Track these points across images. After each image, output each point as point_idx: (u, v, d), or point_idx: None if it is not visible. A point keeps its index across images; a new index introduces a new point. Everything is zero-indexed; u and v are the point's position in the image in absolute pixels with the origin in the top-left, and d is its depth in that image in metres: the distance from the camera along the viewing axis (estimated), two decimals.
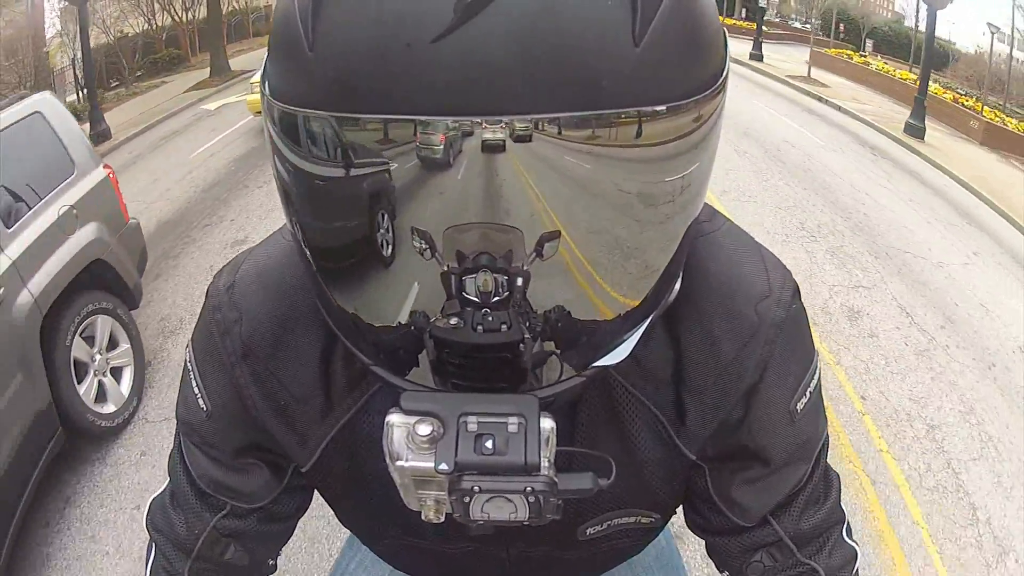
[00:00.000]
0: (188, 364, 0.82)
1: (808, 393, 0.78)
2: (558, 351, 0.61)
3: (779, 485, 0.81)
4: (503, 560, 0.92)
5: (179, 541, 0.86)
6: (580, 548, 0.89)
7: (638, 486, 0.80)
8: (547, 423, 0.58)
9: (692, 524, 0.90)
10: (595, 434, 0.76)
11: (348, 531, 1.11)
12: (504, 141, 0.49)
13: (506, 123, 0.48)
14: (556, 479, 0.57)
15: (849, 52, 15.56)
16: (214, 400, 0.79)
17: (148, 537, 0.90)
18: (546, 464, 0.57)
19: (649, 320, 0.65)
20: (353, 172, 0.52)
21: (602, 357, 0.64)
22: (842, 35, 16.79)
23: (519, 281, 0.56)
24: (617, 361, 0.64)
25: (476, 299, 0.56)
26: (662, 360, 0.73)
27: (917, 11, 14.22)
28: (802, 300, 0.77)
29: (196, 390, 0.81)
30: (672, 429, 0.76)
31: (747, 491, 0.81)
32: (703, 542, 0.91)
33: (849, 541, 0.85)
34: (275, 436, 0.79)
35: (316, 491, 0.91)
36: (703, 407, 0.74)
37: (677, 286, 0.69)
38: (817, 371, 0.80)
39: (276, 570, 0.95)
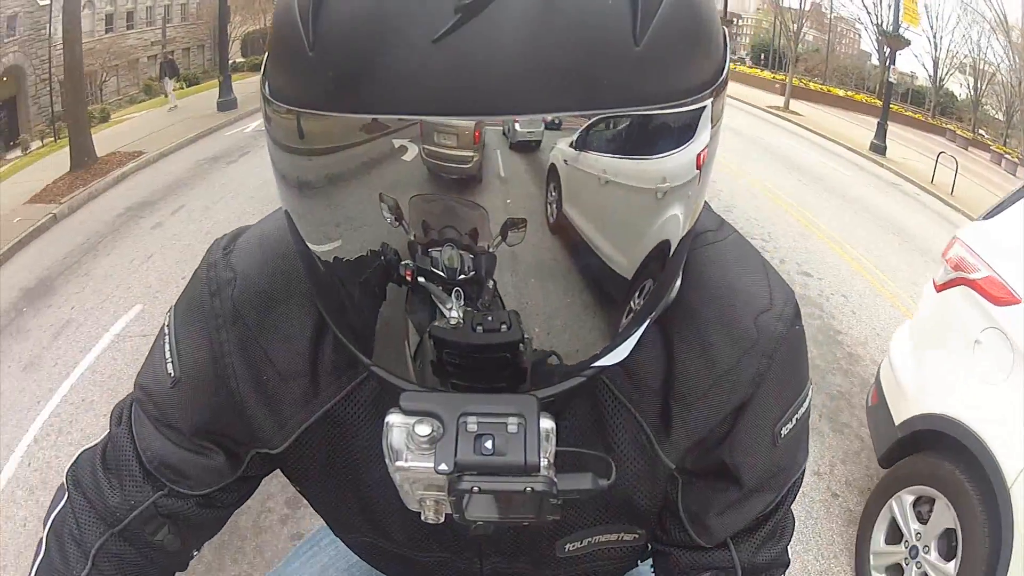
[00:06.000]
0: (165, 328, 0.77)
1: (795, 420, 0.75)
2: (557, 351, 0.59)
3: (745, 511, 0.78)
4: (475, 574, 0.88)
5: (106, 510, 0.78)
6: (557, 567, 0.86)
7: (620, 497, 0.77)
8: (547, 423, 0.57)
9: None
10: (580, 440, 0.73)
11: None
12: (504, 140, 0.49)
13: (506, 123, 0.48)
14: (556, 479, 0.56)
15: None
16: (185, 365, 0.74)
17: (60, 487, 0.82)
18: (545, 464, 0.56)
19: (649, 320, 0.63)
20: (353, 171, 0.52)
21: (601, 357, 0.62)
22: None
23: (507, 272, 0.54)
24: (616, 361, 0.63)
25: (450, 277, 0.55)
26: (653, 367, 0.71)
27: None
28: (803, 324, 0.75)
29: (168, 355, 0.75)
30: (655, 439, 0.73)
31: (721, 517, 0.79)
32: None
33: None
34: (249, 414, 0.74)
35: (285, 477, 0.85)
36: (690, 418, 0.71)
37: (677, 286, 0.68)
38: (807, 400, 0.77)
39: (192, 559, 0.87)
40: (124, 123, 11.11)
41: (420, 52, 0.46)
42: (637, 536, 0.84)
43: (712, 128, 0.55)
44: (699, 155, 0.54)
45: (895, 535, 2.45)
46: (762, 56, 20.02)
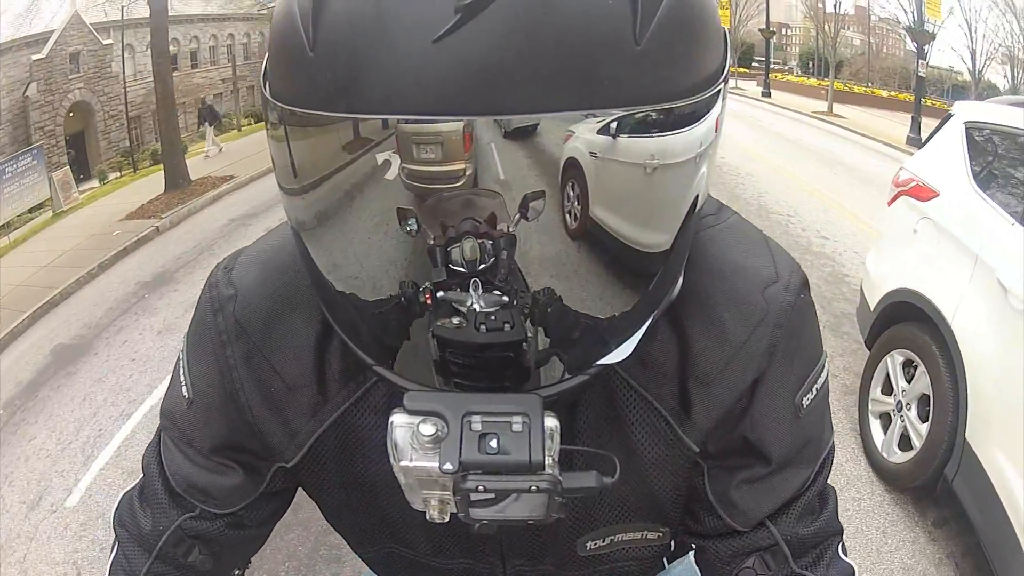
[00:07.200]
0: (181, 353, 0.79)
1: (815, 390, 0.75)
2: (561, 349, 0.60)
3: (779, 488, 0.77)
4: None
5: (142, 537, 0.81)
6: (581, 567, 0.86)
7: (640, 492, 0.78)
8: (551, 422, 0.57)
9: (684, 528, 0.85)
10: (597, 435, 0.74)
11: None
12: (506, 139, 0.50)
13: (506, 122, 0.49)
14: (560, 478, 0.56)
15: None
16: (197, 386, 0.76)
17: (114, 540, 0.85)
18: (550, 463, 0.56)
19: (653, 317, 0.63)
20: (354, 171, 0.52)
21: (605, 355, 0.62)
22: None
23: (509, 260, 0.55)
24: (620, 359, 0.63)
25: (464, 268, 0.55)
26: (667, 353, 0.71)
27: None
28: (811, 295, 0.75)
29: (182, 378, 0.78)
30: (676, 423, 0.73)
31: (746, 492, 0.77)
32: None
33: (845, 558, 0.81)
34: (260, 427, 0.75)
35: (303, 491, 0.86)
36: (710, 397, 0.72)
37: (679, 283, 0.67)
38: (825, 370, 0.78)
39: None
40: (200, 155, 11.95)
41: (420, 52, 0.47)
42: (661, 534, 0.84)
43: (713, 127, 0.56)
44: (700, 151, 0.55)
45: (888, 388, 3.17)
46: (810, 64, 20.19)
